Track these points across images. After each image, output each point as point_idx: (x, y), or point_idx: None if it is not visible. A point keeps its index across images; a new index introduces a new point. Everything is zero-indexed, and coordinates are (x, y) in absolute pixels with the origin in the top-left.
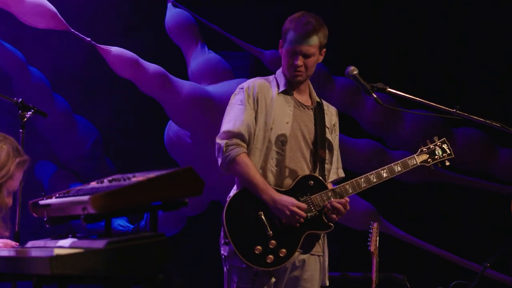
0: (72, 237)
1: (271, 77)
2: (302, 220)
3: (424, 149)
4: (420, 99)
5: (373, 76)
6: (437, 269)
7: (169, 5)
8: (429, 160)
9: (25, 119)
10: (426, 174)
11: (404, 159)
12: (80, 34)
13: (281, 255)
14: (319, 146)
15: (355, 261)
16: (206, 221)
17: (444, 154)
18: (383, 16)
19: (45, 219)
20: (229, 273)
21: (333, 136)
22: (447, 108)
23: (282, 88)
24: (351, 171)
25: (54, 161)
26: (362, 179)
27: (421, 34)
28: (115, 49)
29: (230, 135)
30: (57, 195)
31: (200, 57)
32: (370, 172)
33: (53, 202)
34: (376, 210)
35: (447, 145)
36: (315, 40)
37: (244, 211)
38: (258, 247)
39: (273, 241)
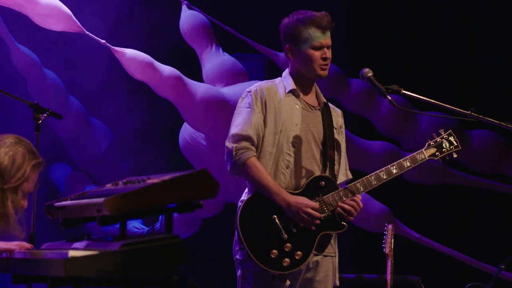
0: (87, 239)
1: (277, 80)
2: (317, 221)
3: (431, 143)
4: (435, 101)
5: (388, 78)
6: (452, 271)
7: (184, 7)
8: (437, 153)
9: (40, 121)
10: (441, 175)
11: (413, 154)
12: (94, 36)
13: (296, 257)
14: (329, 146)
15: (370, 263)
16: (221, 223)
17: (451, 147)
18: (396, 18)
19: (60, 221)
20: (243, 277)
21: (340, 138)
22: (462, 110)
23: (289, 89)
24: (365, 173)
25: (69, 163)
26: (373, 177)
27: (435, 36)
28: (129, 51)
29: (239, 138)
30: (72, 197)
31: (214, 59)
32: (380, 170)
33: (68, 204)
34: (391, 212)
35: (454, 137)
36: (329, 32)
37: (257, 215)
38: (274, 251)
39: (288, 244)
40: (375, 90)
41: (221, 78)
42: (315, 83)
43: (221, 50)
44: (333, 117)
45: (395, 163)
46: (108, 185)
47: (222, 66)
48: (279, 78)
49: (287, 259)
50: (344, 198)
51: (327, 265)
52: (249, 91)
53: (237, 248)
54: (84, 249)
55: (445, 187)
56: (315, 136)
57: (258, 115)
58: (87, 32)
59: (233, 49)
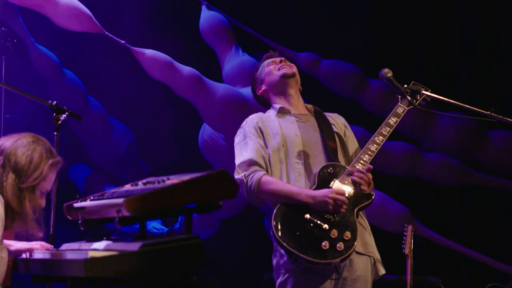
0: (107, 239)
1: (265, 111)
2: (346, 201)
3: (406, 90)
4: (455, 102)
5: (407, 78)
6: (471, 272)
7: (204, 7)
8: (414, 101)
9: (60, 121)
10: (460, 176)
11: (393, 110)
12: (114, 37)
13: (346, 238)
14: (327, 138)
15: (390, 263)
16: (240, 223)
17: (421, 91)
18: (417, 19)
19: (79, 221)
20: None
21: (348, 136)
22: (481, 111)
23: (278, 110)
24: (385, 173)
25: (89, 163)
26: (370, 144)
27: (455, 36)
28: (149, 52)
29: (244, 165)
30: (92, 197)
31: (234, 60)
32: (374, 135)
33: (87, 205)
34: (410, 213)
35: (419, 85)
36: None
37: (291, 222)
38: (324, 242)
39: (333, 231)
40: (395, 90)
41: (241, 78)
42: (299, 97)
43: (241, 51)
44: (331, 119)
45: (382, 124)
46: (128, 186)
47: (242, 66)
48: (266, 110)
49: (340, 244)
50: (355, 172)
51: (364, 264)
52: (241, 128)
53: (282, 261)
54: (104, 249)
55: (464, 188)
56: (317, 139)
57: (255, 140)
58: (107, 33)
59: (252, 50)
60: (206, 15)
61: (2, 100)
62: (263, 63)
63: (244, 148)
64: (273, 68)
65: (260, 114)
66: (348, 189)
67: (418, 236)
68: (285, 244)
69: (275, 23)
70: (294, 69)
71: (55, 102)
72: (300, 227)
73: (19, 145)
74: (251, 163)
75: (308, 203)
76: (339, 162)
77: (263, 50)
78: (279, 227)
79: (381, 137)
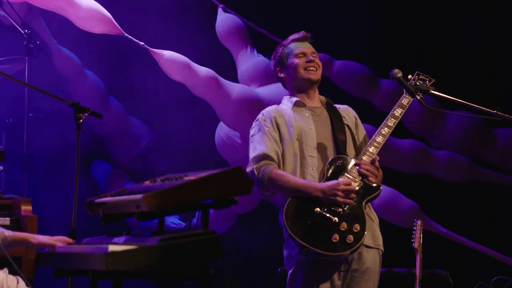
0: (126, 234)
1: (280, 104)
2: (354, 189)
3: (416, 89)
4: (462, 101)
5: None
6: (478, 265)
7: (220, 10)
8: (418, 93)
9: (81, 120)
10: (468, 173)
11: (398, 102)
12: (133, 39)
13: (355, 230)
14: (337, 130)
15: (400, 257)
16: (255, 219)
17: (426, 82)
18: (424, 20)
19: (100, 216)
20: (295, 273)
21: (359, 129)
22: (488, 109)
23: (294, 102)
24: (395, 170)
25: (109, 161)
26: (377, 136)
27: (462, 36)
28: (167, 53)
29: (257, 159)
30: (112, 193)
31: (249, 60)
32: (380, 127)
33: (108, 201)
34: (420, 209)
35: (423, 75)
36: (309, 43)
37: (301, 215)
38: (334, 235)
39: (343, 223)
40: (405, 90)
41: (256, 78)
42: (316, 90)
43: (255, 52)
44: (341, 112)
45: (388, 116)
46: (147, 182)
47: (256, 67)
48: (282, 102)
49: (349, 236)
50: (362, 164)
51: (373, 257)
52: (256, 120)
53: (293, 253)
54: (124, 243)
55: (472, 184)
56: (329, 132)
57: (270, 134)
58: (126, 34)
59: (267, 51)
60: (222, 18)
61: (25, 100)
62: (292, 47)
63: (258, 142)
64: (301, 64)
65: (275, 107)
66: (356, 181)
67: (427, 230)
68: (296, 237)
69: (289, 25)
70: (320, 70)
71: (77, 101)
72: (310, 220)
73: None
74: (263, 157)
75: (318, 197)
76: (348, 155)
77: None
78: (290, 220)
79: (387, 128)
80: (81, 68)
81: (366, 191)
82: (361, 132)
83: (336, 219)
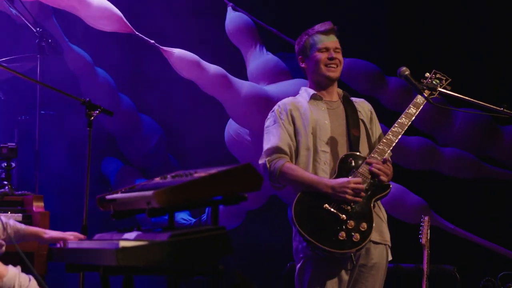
0: (137, 230)
1: (297, 95)
2: (363, 188)
3: (423, 87)
4: (469, 98)
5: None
6: (485, 261)
7: (229, 9)
8: (433, 93)
9: (92, 117)
10: (475, 170)
11: (413, 101)
12: (144, 37)
13: (362, 229)
14: (351, 125)
15: (407, 253)
16: (265, 215)
17: (442, 82)
18: (433, 19)
19: (111, 213)
20: (303, 268)
21: (374, 124)
22: (494, 107)
23: (311, 95)
24: (403, 167)
25: (120, 158)
26: (390, 135)
27: (471, 34)
28: (177, 51)
29: (270, 152)
30: (123, 190)
31: (258, 58)
32: (393, 125)
33: (119, 197)
34: (427, 205)
35: (440, 74)
36: (334, 36)
37: (310, 210)
38: (341, 233)
39: (350, 222)
40: (412, 87)
41: (265, 76)
42: (335, 84)
43: (265, 50)
44: (357, 106)
45: (402, 115)
46: (157, 179)
47: (266, 65)
48: (298, 93)
49: (356, 235)
50: (374, 163)
51: (380, 252)
52: (272, 111)
53: (300, 246)
54: (134, 239)
55: (479, 181)
56: (343, 127)
57: (285, 127)
58: (137, 33)
59: (276, 49)
60: (232, 16)
61: (37, 97)
62: (317, 40)
63: (272, 134)
64: (322, 60)
65: (292, 99)
66: (366, 180)
67: (435, 226)
68: (304, 233)
69: (298, 23)
70: (341, 66)
71: (88, 99)
72: (318, 216)
73: None
74: (276, 150)
75: (327, 193)
76: (360, 151)
77: (286, 49)
78: (299, 215)
79: (400, 127)
80: (92, 66)
81: (376, 189)
82: (376, 126)
83: (344, 216)
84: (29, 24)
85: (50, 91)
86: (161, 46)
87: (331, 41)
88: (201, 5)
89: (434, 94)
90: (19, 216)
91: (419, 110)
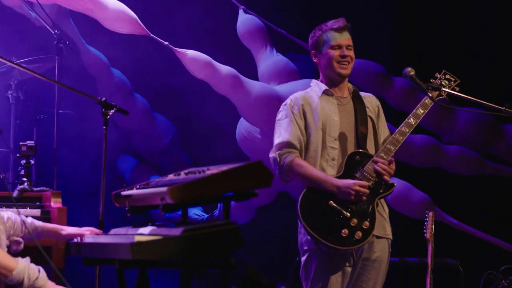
0: (152, 225)
1: (308, 89)
2: (367, 193)
3: (432, 87)
4: (472, 98)
5: (428, 76)
6: (487, 255)
7: (241, 11)
8: (441, 93)
9: (108, 116)
10: (478, 167)
11: (421, 101)
12: (159, 39)
13: (365, 227)
14: (360, 123)
15: (412, 247)
16: (275, 210)
17: (451, 83)
18: (438, 20)
19: (126, 208)
20: (308, 262)
21: (380, 120)
22: (497, 106)
23: (322, 91)
24: (408, 164)
25: (135, 155)
26: (397, 134)
27: (474, 35)
28: (190, 52)
29: (281, 146)
30: (138, 186)
31: (269, 59)
32: (400, 125)
33: (134, 193)
34: (431, 201)
35: (449, 74)
36: (347, 33)
37: (316, 206)
38: (344, 230)
39: (353, 219)
40: (417, 87)
41: (275, 76)
42: (346, 81)
43: (275, 51)
44: (366, 101)
45: (410, 115)
46: (171, 175)
47: (276, 65)
48: (310, 87)
49: (358, 232)
50: (380, 162)
51: (382, 246)
52: (285, 104)
53: (304, 239)
54: (149, 234)
55: (482, 177)
56: (352, 124)
57: (297, 122)
58: (152, 35)
59: (286, 50)
60: (243, 19)
61: (56, 97)
62: (330, 37)
63: (284, 128)
64: (334, 57)
65: (303, 93)
66: (371, 180)
67: (439, 222)
68: (308, 228)
69: (307, 25)
70: (352, 63)
71: (104, 98)
72: (323, 212)
73: None
74: (286, 144)
75: (333, 192)
76: (367, 149)
77: (296, 50)
78: (304, 210)
79: (407, 127)
80: (108, 67)
81: (379, 189)
82: (382, 122)
83: (348, 214)
84: (47, 27)
85: (68, 90)
86: (174, 48)
87: (344, 38)
88: (214, 8)
89: (442, 95)
90: (37, 211)
91: (427, 110)
